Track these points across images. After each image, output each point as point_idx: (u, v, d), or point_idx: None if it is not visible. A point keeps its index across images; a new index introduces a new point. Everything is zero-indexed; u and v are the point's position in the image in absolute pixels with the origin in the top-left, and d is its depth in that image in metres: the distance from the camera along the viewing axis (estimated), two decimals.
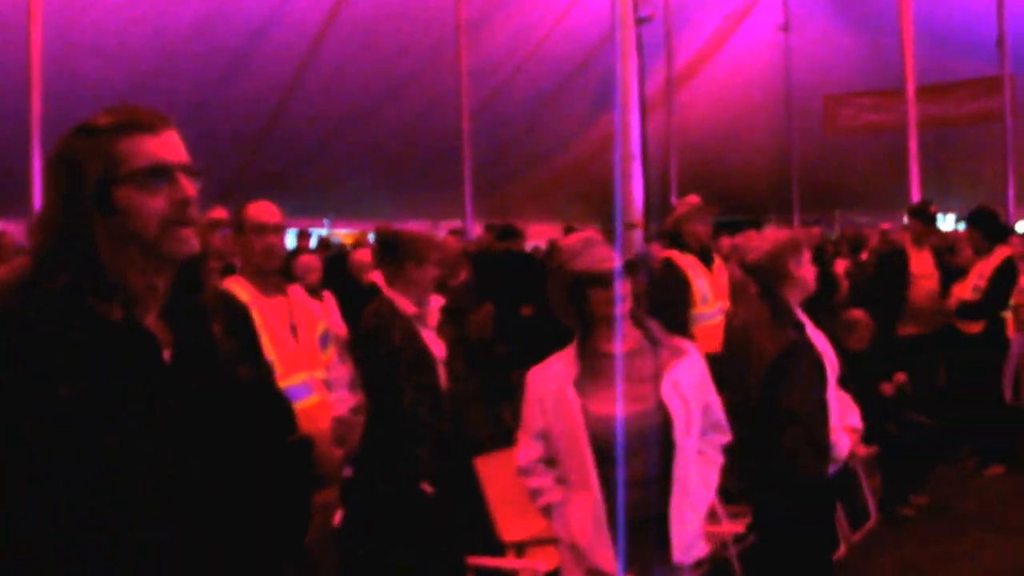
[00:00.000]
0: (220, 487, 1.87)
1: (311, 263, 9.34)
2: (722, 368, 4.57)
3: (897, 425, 7.04)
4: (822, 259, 10.05)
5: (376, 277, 4.93)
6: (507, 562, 4.81)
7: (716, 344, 4.88)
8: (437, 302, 4.86)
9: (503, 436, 6.06)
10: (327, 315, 4.27)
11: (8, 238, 8.26)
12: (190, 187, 1.89)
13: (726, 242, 8.86)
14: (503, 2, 17.44)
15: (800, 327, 4.30)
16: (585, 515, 3.19)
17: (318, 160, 18.03)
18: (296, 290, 4.15)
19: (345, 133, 17.82)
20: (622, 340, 3.26)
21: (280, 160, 17.49)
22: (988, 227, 8.45)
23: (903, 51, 12.02)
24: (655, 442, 3.16)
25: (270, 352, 3.82)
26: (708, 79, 22.28)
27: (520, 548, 4.83)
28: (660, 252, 7.09)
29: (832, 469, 4.31)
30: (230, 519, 1.87)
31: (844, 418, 4.43)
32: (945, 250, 9.50)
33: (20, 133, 8.36)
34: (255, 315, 3.84)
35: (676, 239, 6.96)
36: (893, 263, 8.53)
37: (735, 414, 4.46)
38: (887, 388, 7.21)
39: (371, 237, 13.03)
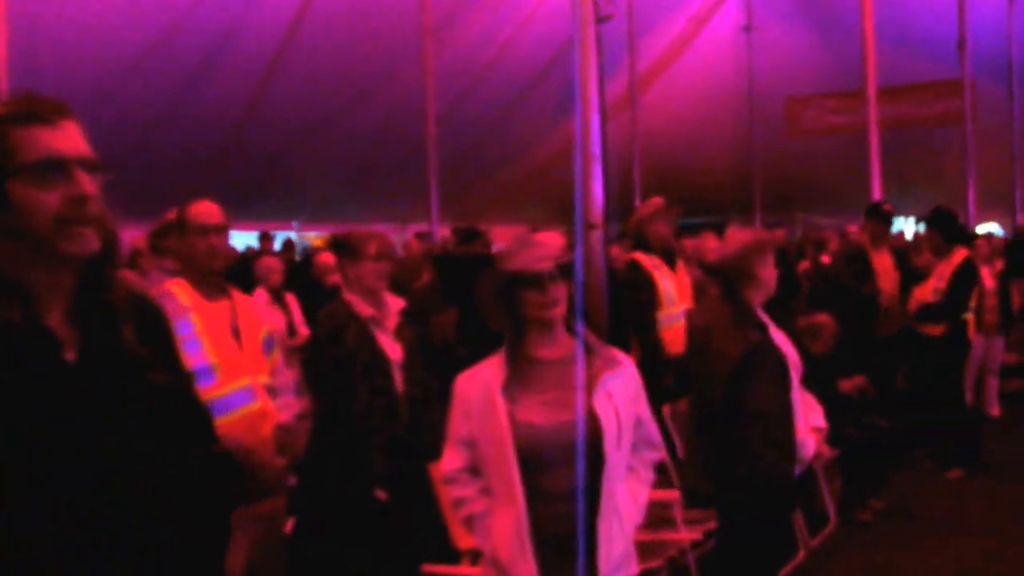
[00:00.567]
0: (126, 494, 1.76)
1: (273, 265, 9.30)
2: (687, 369, 4.54)
3: (857, 429, 7.00)
4: (786, 261, 10.04)
5: (338, 279, 4.89)
6: (461, 570, 4.71)
7: (684, 347, 4.85)
8: (396, 304, 4.77)
9: None
10: (272, 319, 4.14)
11: None
12: (88, 183, 1.79)
13: (689, 244, 8.83)
14: (468, 5, 17.41)
15: (763, 328, 4.29)
16: (508, 528, 3.01)
17: (286, 164, 18.05)
18: (239, 294, 4.03)
19: (313, 137, 17.84)
20: (556, 345, 3.11)
21: (249, 164, 17.47)
22: (946, 228, 8.40)
23: (864, 53, 12.05)
24: (584, 453, 2.99)
25: (211, 356, 3.71)
26: (671, 81, 22.35)
27: (475, 555, 4.74)
28: (621, 254, 7.06)
29: (798, 470, 4.29)
30: (135, 529, 1.77)
31: (809, 419, 4.42)
32: (904, 251, 9.49)
33: None
34: (195, 319, 3.78)
35: (640, 240, 6.94)
36: (856, 263, 8.48)
37: (700, 414, 4.44)
38: (847, 388, 7.16)
39: None
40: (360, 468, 4.41)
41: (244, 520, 3.79)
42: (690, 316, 5.22)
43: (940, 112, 19.38)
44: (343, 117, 17.70)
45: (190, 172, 14.97)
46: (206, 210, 3.90)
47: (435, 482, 4.59)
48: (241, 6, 15.10)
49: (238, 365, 3.80)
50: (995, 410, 10.42)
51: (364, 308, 4.53)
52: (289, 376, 4.06)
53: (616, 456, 3.04)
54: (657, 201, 7.15)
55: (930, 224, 8.52)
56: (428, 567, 4.66)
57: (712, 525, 5.14)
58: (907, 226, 21.88)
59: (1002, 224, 20.89)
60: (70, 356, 1.80)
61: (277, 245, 15.99)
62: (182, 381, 1.98)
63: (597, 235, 6.73)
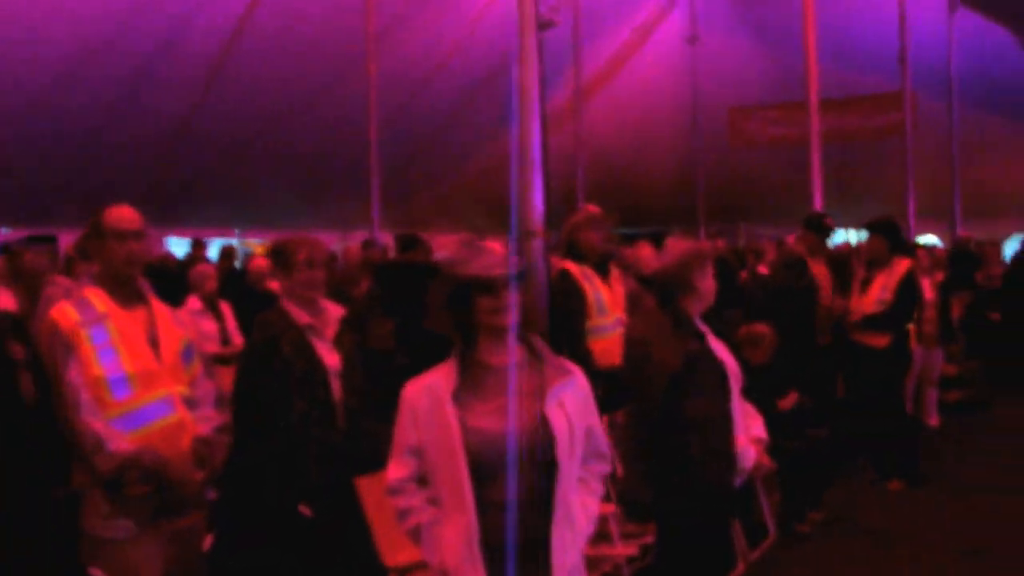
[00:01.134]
0: None
1: (207, 272, 9.15)
2: (624, 380, 4.48)
3: (797, 440, 6.96)
4: (726, 271, 10.01)
5: (274, 285, 4.78)
6: None
7: (616, 358, 4.78)
8: (336, 312, 4.66)
9: None
10: (192, 328, 3.99)
11: None
12: None
13: (626, 253, 8.79)
14: (412, 12, 17.32)
15: (702, 337, 4.29)
16: (457, 537, 2.97)
17: (229, 170, 17.86)
18: (158, 302, 3.87)
19: (256, 143, 17.71)
20: (507, 352, 3.05)
21: (190, 170, 17.33)
22: (891, 236, 8.42)
23: (807, 65, 12.11)
24: (536, 461, 2.96)
25: (127, 365, 3.56)
26: (615, 90, 22.40)
27: (403, 572, 4.62)
28: (559, 262, 6.96)
29: (737, 480, 4.30)
30: None
31: (748, 429, 4.43)
32: (843, 262, 9.49)
33: None
34: (111, 326, 3.62)
35: (571, 249, 6.82)
36: (795, 268, 8.44)
37: (639, 423, 4.38)
38: (784, 407, 7.12)
39: None
40: (296, 478, 4.32)
41: (161, 536, 3.65)
42: (628, 327, 5.17)
43: (881, 124, 19.59)
44: (287, 123, 17.57)
45: (131, 179, 14.91)
46: (123, 215, 3.77)
47: (362, 497, 4.47)
48: (183, 12, 14.91)
49: (155, 375, 3.67)
50: (934, 420, 10.51)
51: (302, 316, 4.45)
52: (209, 387, 3.92)
53: (569, 465, 3.01)
54: (589, 209, 7.06)
55: (875, 232, 8.48)
56: None
57: (649, 539, 5.07)
58: (849, 237, 22.08)
59: (941, 236, 21.15)
60: None
61: (213, 252, 15.77)
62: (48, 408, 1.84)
63: (537, 243, 6.66)
